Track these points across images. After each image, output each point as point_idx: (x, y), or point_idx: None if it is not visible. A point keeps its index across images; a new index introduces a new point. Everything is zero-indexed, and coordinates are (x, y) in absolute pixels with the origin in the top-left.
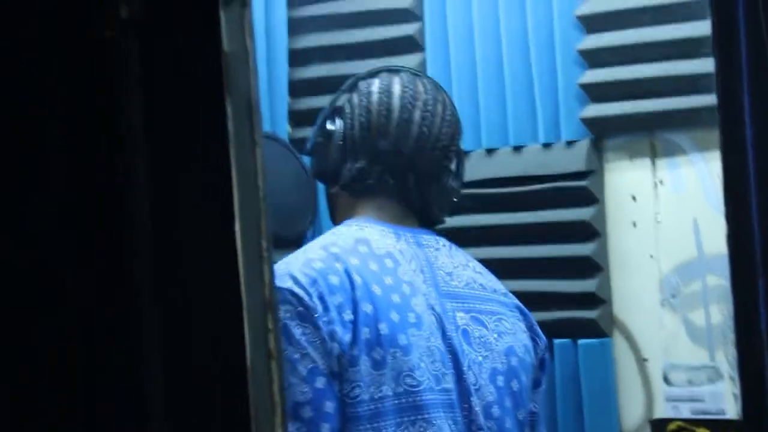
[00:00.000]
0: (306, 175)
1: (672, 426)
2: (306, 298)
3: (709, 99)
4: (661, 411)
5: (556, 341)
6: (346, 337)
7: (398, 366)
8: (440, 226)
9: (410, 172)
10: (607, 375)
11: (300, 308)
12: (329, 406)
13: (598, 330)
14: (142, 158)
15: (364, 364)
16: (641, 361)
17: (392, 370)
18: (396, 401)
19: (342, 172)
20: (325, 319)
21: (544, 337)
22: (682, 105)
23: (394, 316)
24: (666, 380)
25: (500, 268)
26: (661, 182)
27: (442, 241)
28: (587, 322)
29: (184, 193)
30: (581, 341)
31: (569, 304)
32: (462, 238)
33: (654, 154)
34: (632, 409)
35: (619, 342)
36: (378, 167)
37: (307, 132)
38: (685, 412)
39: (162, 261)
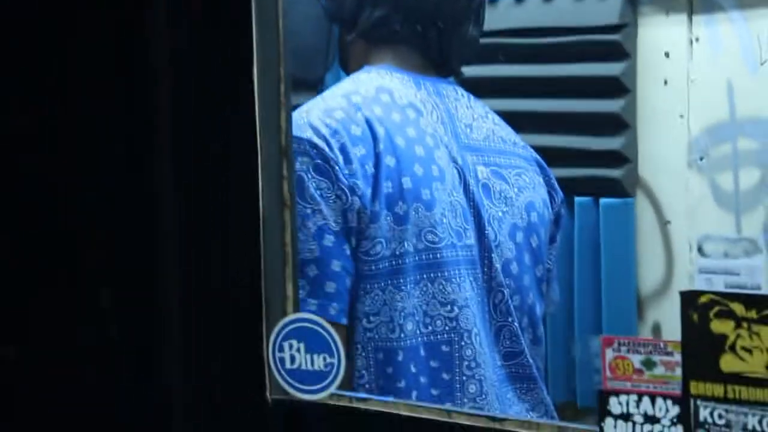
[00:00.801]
0: (325, 17)
1: (703, 299)
2: (326, 149)
3: None
4: (684, 279)
5: (577, 199)
6: (368, 192)
7: (420, 221)
8: (462, 76)
9: (432, 20)
10: (627, 236)
11: (318, 160)
12: (336, 264)
13: (622, 190)
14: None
15: (386, 219)
16: (664, 224)
17: (414, 225)
18: (416, 258)
19: (360, 18)
20: (346, 171)
21: (561, 192)
22: None
23: (418, 170)
24: (700, 251)
25: (524, 122)
26: (696, 39)
27: (461, 90)
28: (611, 181)
29: (202, 32)
30: (603, 200)
31: (593, 161)
32: (485, 88)
33: (691, 10)
34: (651, 272)
35: (642, 203)
36: (399, 15)
37: None
38: (719, 285)
39: (178, 103)
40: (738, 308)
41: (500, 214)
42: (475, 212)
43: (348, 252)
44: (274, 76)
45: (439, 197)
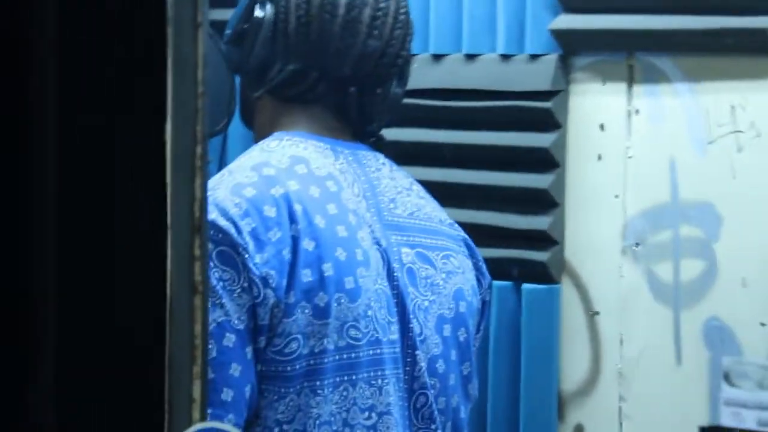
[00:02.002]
0: (225, 68)
1: None
2: (234, 234)
3: (703, 21)
4: (613, 377)
5: (497, 283)
6: (283, 282)
7: (342, 315)
8: (383, 141)
9: (351, 79)
10: (551, 326)
11: (223, 247)
12: (235, 368)
13: (546, 275)
14: (53, 35)
15: (304, 312)
16: (591, 315)
17: (336, 319)
18: (337, 357)
19: (269, 73)
20: (257, 260)
21: (489, 276)
22: (671, 25)
23: (341, 254)
24: (727, 379)
25: (439, 193)
26: (636, 111)
27: (382, 158)
28: (535, 264)
29: (107, 82)
30: (526, 286)
31: (516, 242)
32: (398, 154)
33: (631, 79)
34: (575, 368)
35: (568, 290)
36: (314, 72)
37: (226, 14)
38: (750, 422)
39: (72, 164)
40: None
41: (426, 303)
42: (399, 302)
43: (250, 356)
44: (189, 136)
45: (364, 285)
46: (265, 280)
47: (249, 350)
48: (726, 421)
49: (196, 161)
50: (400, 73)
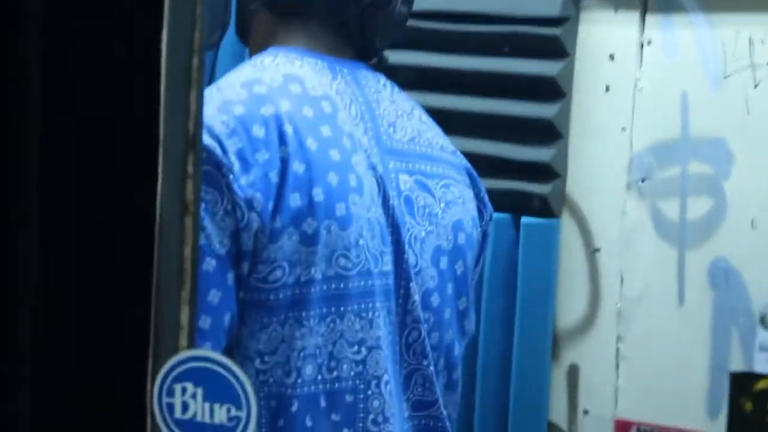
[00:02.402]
0: None
1: (763, 384)
2: (218, 152)
3: None
4: (611, 317)
5: (495, 215)
6: (269, 206)
7: (332, 243)
8: (386, 62)
9: None
10: (549, 261)
11: (206, 166)
12: (214, 295)
13: (546, 208)
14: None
15: (290, 238)
16: (592, 251)
17: (325, 247)
18: (324, 287)
19: None
20: (242, 182)
21: (491, 207)
22: None
23: (332, 179)
24: (763, 322)
25: (438, 120)
26: (648, 42)
27: (383, 79)
28: (535, 197)
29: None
30: (524, 218)
31: (516, 173)
32: (397, 78)
33: (645, 8)
34: (573, 306)
35: (568, 225)
36: None
37: None
38: None
39: (68, 73)
40: None
41: (423, 234)
42: (394, 231)
43: (231, 282)
44: (186, 46)
45: (357, 213)
46: (249, 203)
47: (230, 276)
48: (760, 367)
49: (192, 73)
50: None
